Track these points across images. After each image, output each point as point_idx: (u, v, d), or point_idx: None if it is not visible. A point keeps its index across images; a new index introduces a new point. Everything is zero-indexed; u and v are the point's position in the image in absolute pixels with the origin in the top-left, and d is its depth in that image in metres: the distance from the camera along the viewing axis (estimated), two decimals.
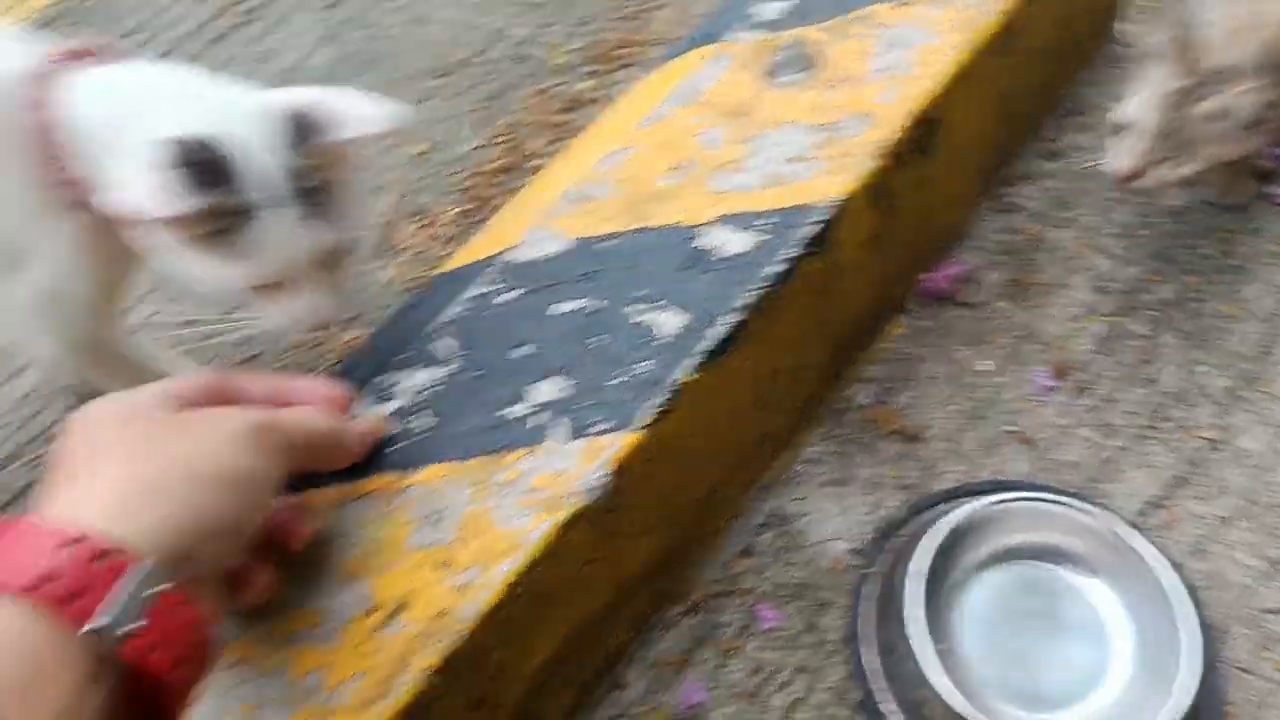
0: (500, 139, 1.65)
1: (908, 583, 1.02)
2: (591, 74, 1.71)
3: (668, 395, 0.95)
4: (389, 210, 1.57)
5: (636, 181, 1.11)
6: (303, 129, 0.88)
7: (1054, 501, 1.10)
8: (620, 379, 0.96)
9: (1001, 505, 1.09)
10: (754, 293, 1.00)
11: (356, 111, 0.88)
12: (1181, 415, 1.25)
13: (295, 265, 0.93)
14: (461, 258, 1.11)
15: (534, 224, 1.10)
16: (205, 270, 0.91)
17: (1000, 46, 1.23)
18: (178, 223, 0.86)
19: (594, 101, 1.67)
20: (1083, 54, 1.57)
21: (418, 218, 1.56)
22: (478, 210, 1.56)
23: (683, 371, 0.96)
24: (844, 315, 1.21)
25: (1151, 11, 1.68)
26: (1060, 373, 1.30)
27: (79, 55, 0.91)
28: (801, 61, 1.18)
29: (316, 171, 0.90)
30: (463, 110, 1.70)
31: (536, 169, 1.60)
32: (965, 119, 1.25)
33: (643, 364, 0.97)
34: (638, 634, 1.13)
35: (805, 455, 1.26)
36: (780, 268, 1.02)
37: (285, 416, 0.79)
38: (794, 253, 1.03)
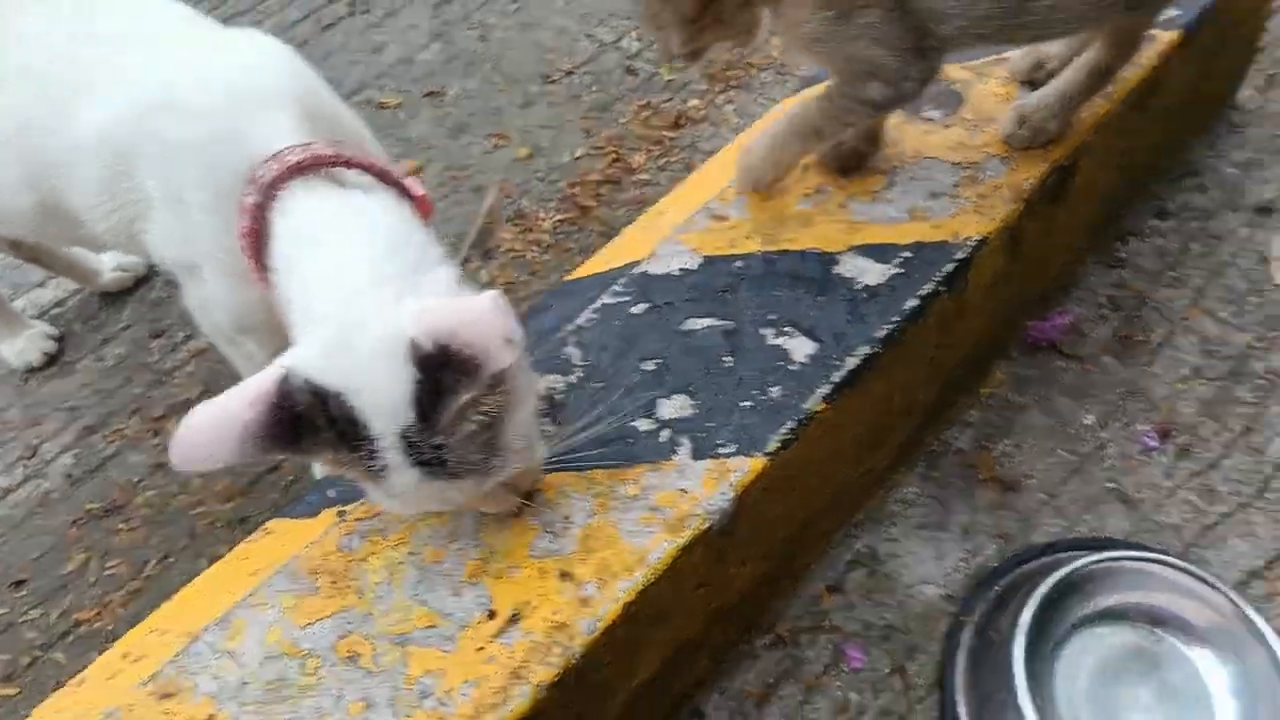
0: (604, 150, 1.65)
1: (1013, 636, 1.00)
2: (699, 93, 1.71)
3: (796, 423, 0.94)
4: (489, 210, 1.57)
5: (772, 203, 1.11)
6: (442, 371, 0.72)
7: (1162, 564, 1.07)
8: (748, 402, 0.95)
9: (1108, 563, 1.07)
10: (889, 326, 0.99)
11: (488, 341, 0.70)
12: None
13: (445, 506, 0.84)
14: (590, 266, 1.11)
15: (665, 239, 1.09)
16: (367, 493, 0.83)
17: (1138, 101, 1.22)
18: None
19: (700, 120, 1.67)
20: (1204, 117, 1.55)
21: (518, 221, 1.56)
22: (578, 219, 1.56)
23: (813, 400, 0.95)
24: (956, 357, 1.20)
25: (1272, 79, 1.66)
26: (1165, 434, 1.28)
27: (306, 168, 0.84)
28: (944, 99, 1.17)
29: (457, 420, 0.74)
30: (568, 119, 1.70)
31: (639, 183, 1.60)
32: (1094, 170, 1.24)
33: (773, 389, 0.96)
34: (721, 663, 1.12)
35: (900, 495, 1.24)
36: (915, 303, 1.01)
37: None
38: (930, 289, 1.02)
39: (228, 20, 1.92)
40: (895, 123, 1.16)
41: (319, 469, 0.78)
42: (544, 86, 1.75)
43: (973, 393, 1.32)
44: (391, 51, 1.83)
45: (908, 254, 1.05)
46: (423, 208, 0.90)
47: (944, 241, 1.05)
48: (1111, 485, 1.24)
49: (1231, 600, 1.02)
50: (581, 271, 1.11)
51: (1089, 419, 1.30)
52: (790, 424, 0.94)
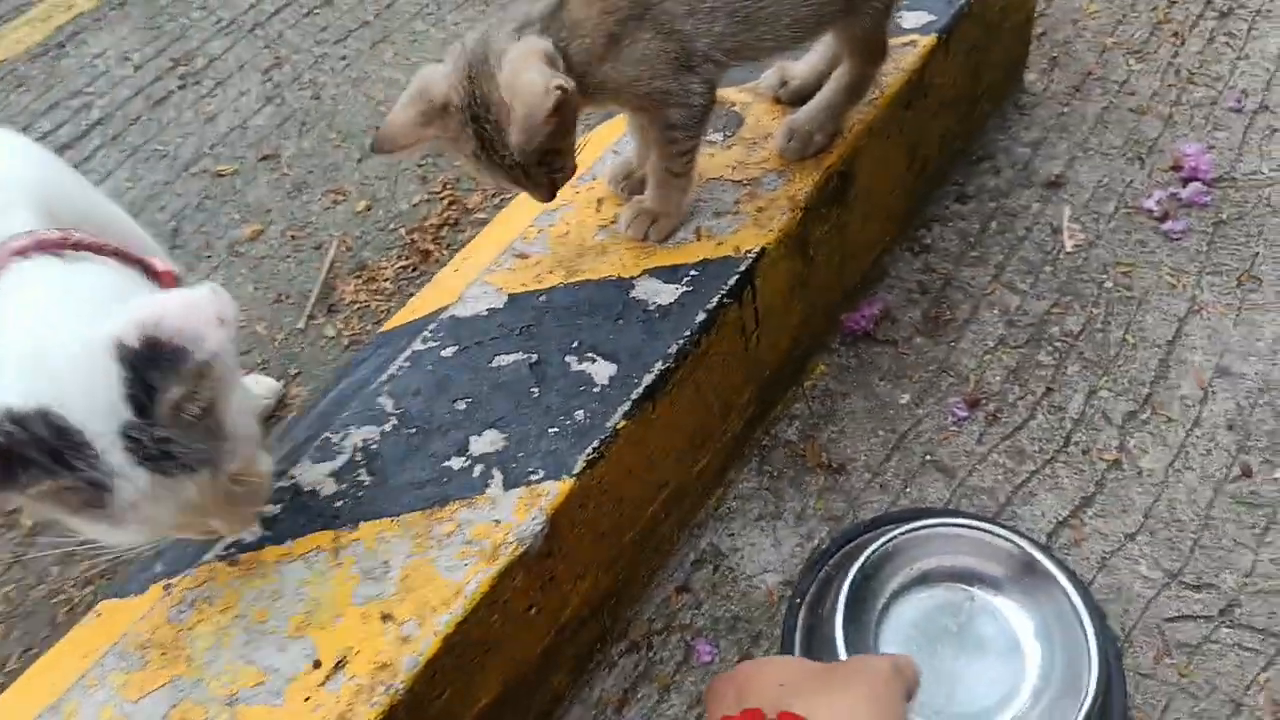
0: (441, 194, 1.70)
1: (835, 608, 1.07)
2: None
3: (600, 442, 1.00)
4: (331, 267, 1.60)
5: (571, 238, 1.17)
6: (151, 368, 0.74)
7: (968, 526, 1.16)
8: (555, 429, 1.01)
9: (918, 531, 1.15)
10: (681, 340, 1.06)
11: (199, 325, 0.73)
12: (1086, 439, 1.34)
13: (179, 517, 0.83)
14: (402, 315, 1.16)
15: (472, 281, 1.15)
16: (93, 533, 0.82)
17: (907, 101, 1.32)
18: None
19: None
20: (992, 102, 1.67)
21: (360, 273, 1.60)
22: (420, 264, 1.60)
23: (614, 419, 1.01)
24: (769, 357, 1.28)
25: (1055, 61, 1.80)
26: (974, 403, 1.38)
27: (28, 251, 0.85)
28: (725, 121, 1.25)
29: (175, 413, 0.75)
30: (404, 167, 1.75)
31: (477, 223, 1.65)
32: (877, 169, 1.33)
33: (577, 413, 1.02)
34: (579, 675, 1.17)
35: (737, 491, 1.32)
36: (704, 316, 1.08)
37: (904, 662, 0.76)
38: (716, 302, 1.09)
39: (58, 103, 1.92)
40: None
41: (38, 511, 0.79)
42: None
43: (797, 387, 1.40)
44: (224, 119, 1.85)
45: (695, 272, 1.12)
46: (168, 284, 0.93)
47: (727, 256, 1.13)
48: (929, 457, 1.34)
49: (1029, 553, 1.12)
50: (395, 321, 1.16)
51: (905, 398, 1.39)
52: (595, 443, 1.00)
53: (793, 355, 1.35)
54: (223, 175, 1.76)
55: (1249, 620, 1.18)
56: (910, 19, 1.35)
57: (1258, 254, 1.50)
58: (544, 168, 0.98)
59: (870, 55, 1.16)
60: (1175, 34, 1.83)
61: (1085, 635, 1.05)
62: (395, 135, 0.97)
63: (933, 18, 1.35)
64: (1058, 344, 1.43)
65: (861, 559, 1.12)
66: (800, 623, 1.17)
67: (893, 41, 1.31)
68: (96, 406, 0.74)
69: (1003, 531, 1.15)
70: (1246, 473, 1.28)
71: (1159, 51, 1.80)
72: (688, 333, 1.07)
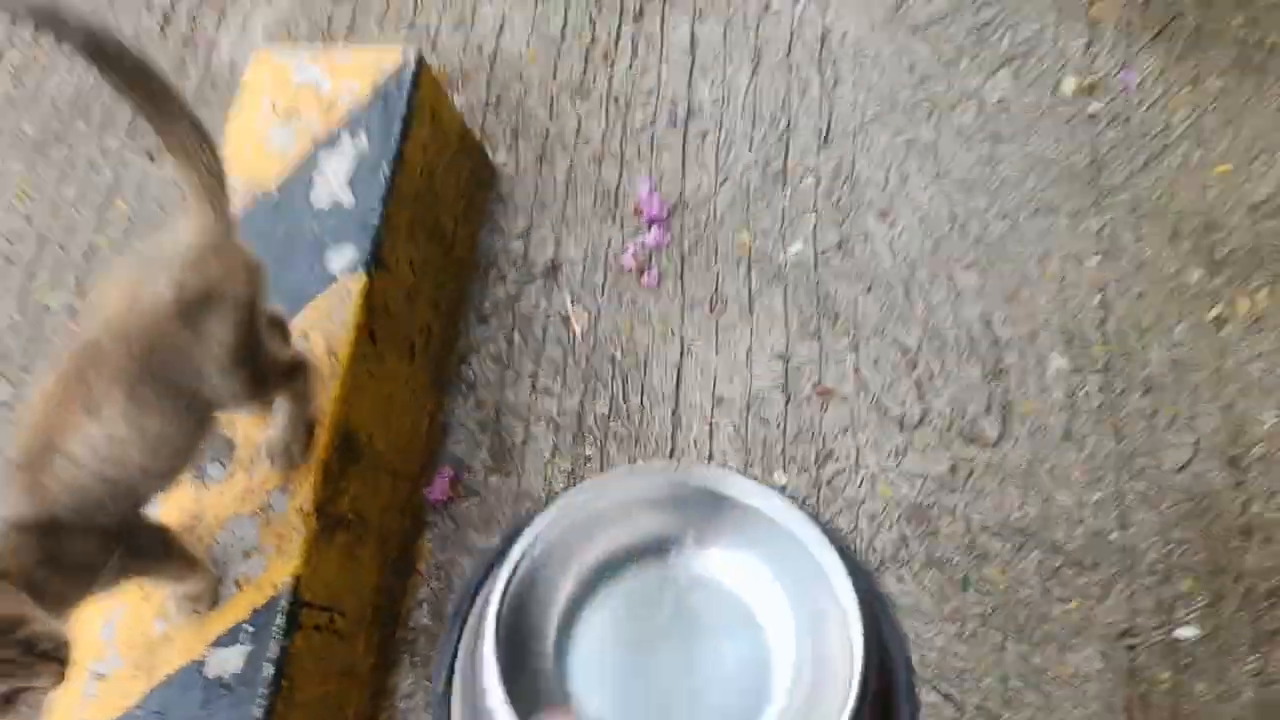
0: None
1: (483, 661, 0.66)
2: None
3: None
4: None
5: (136, 638, 1.29)
6: None
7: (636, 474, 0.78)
8: None
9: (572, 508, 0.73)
10: (262, 701, 1.26)
11: None
12: None
13: None
14: None
15: None
16: None
17: (370, 338, 1.47)
18: None
19: None
20: (471, 219, 1.81)
21: None
22: None
23: None
24: (361, 612, 1.48)
25: (515, 131, 1.93)
26: None
27: None
28: (219, 450, 1.37)
29: None
30: None
31: None
32: (377, 398, 1.51)
33: None
34: None
35: (401, 692, 1.57)
36: (272, 671, 1.27)
37: None
38: (283, 644, 1.28)
39: None
40: (192, 497, 1.36)
41: None
42: None
43: (415, 574, 1.63)
44: None
45: (249, 626, 1.30)
46: None
47: (270, 598, 1.30)
48: None
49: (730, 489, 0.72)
50: None
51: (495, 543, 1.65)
52: None
53: (389, 575, 1.57)
54: None
55: None
56: (336, 262, 1.47)
57: (718, 273, 1.79)
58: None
59: (286, 380, 1.30)
60: (604, 55, 1.98)
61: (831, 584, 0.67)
62: None
63: (355, 252, 1.47)
64: (595, 432, 1.71)
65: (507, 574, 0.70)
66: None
67: (325, 300, 1.44)
68: None
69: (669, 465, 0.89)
70: None
71: (596, 82, 1.96)
72: (265, 690, 1.27)
